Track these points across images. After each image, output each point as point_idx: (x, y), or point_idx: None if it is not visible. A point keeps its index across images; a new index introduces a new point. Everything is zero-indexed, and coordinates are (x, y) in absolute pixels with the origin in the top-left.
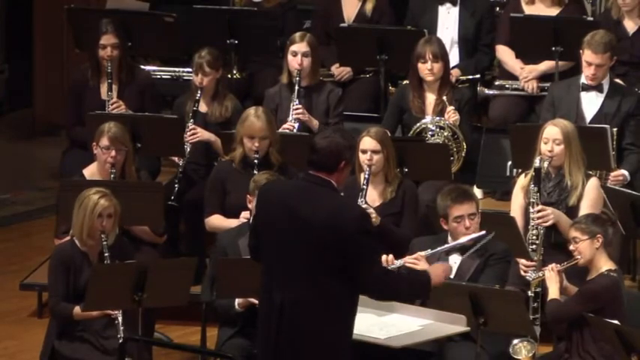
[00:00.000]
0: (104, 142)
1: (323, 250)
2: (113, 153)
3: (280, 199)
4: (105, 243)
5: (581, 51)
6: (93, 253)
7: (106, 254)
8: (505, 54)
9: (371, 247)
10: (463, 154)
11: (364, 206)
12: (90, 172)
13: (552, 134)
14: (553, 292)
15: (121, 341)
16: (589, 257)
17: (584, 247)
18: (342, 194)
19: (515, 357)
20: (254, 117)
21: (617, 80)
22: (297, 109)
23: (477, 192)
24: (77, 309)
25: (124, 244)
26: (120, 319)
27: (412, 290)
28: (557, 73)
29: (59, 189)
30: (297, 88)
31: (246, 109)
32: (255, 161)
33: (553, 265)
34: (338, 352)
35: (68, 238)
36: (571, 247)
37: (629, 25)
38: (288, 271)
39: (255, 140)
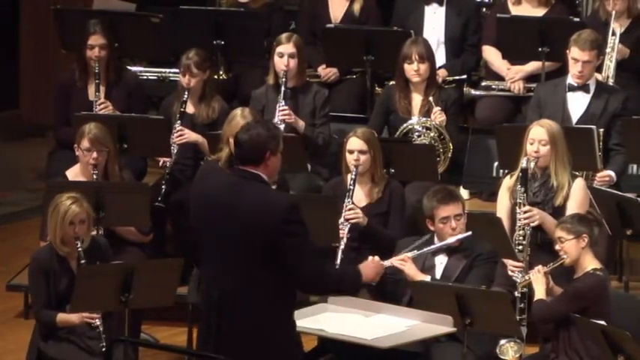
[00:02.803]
0: (85, 143)
1: (254, 242)
2: (94, 154)
3: (211, 196)
4: (80, 250)
5: (567, 50)
6: (71, 258)
7: (82, 261)
8: (491, 54)
9: (300, 237)
10: (449, 155)
11: (351, 206)
12: (73, 173)
13: (538, 135)
14: (539, 293)
15: (103, 345)
16: (575, 257)
17: (569, 246)
18: (273, 186)
19: (502, 357)
20: (240, 117)
21: (598, 75)
22: (283, 110)
23: (464, 193)
24: (60, 316)
25: (100, 245)
26: (101, 327)
27: (342, 285)
28: (543, 74)
29: (45, 190)
30: (283, 89)
31: (233, 110)
32: None
33: (539, 267)
34: (281, 343)
35: (46, 243)
36: (557, 247)
37: (617, 27)
38: (223, 265)
39: None
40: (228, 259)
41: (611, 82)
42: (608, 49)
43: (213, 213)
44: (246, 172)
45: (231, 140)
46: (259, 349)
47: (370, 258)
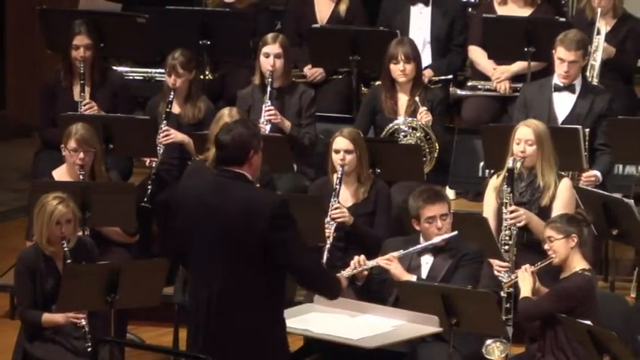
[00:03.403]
0: (72, 144)
1: (244, 241)
2: (81, 155)
3: (197, 197)
4: (66, 250)
5: (553, 50)
6: (58, 258)
7: (68, 261)
8: (477, 54)
9: (292, 230)
10: (435, 155)
11: (337, 206)
12: (59, 173)
13: (524, 135)
14: (525, 291)
15: (89, 344)
16: (563, 256)
17: (558, 246)
18: (257, 185)
19: (488, 357)
20: (228, 117)
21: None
22: (269, 110)
23: (450, 193)
24: (45, 316)
25: (85, 244)
26: (86, 327)
27: (331, 279)
28: (529, 74)
29: (30, 190)
30: (269, 89)
31: (219, 110)
32: None
33: (527, 265)
34: (270, 343)
35: (32, 243)
36: (545, 247)
37: (602, 26)
38: (211, 265)
39: None
40: (217, 260)
41: (595, 81)
42: (592, 48)
43: (201, 214)
44: (231, 172)
45: None
46: (248, 349)
47: (356, 258)
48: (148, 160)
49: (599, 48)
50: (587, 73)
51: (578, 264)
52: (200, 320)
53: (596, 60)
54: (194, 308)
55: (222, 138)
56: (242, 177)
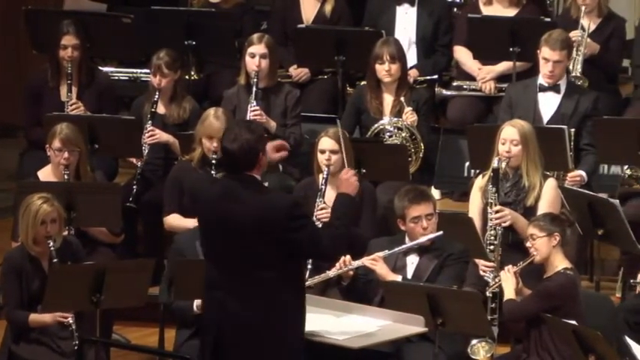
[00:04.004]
0: (56, 144)
1: (260, 244)
2: (66, 155)
3: (211, 202)
4: (52, 249)
5: (538, 50)
6: (43, 258)
7: (55, 260)
8: (463, 55)
9: (307, 227)
10: (421, 155)
11: (322, 206)
12: (44, 174)
13: (510, 135)
14: (509, 293)
15: (76, 343)
16: (545, 255)
17: (540, 244)
18: (266, 184)
19: (474, 357)
20: (213, 117)
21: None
22: (254, 110)
23: (435, 193)
24: (32, 316)
25: (70, 244)
26: (73, 325)
27: (346, 219)
28: (514, 74)
29: (16, 191)
30: (254, 89)
31: (205, 110)
32: (214, 161)
33: (509, 266)
34: (287, 347)
35: (18, 243)
36: (528, 244)
37: (586, 23)
38: (228, 269)
39: (214, 140)
40: (234, 264)
41: (578, 73)
42: (576, 44)
43: (214, 219)
44: (243, 175)
45: (204, 140)
46: (266, 348)
47: (341, 258)
48: (133, 160)
49: (583, 43)
50: (570, 67)
51: (561, 263)
52: (215, 324)
53: (579, 54)
54: (208, 310)
55: (229, 147)
56: (253, 180)
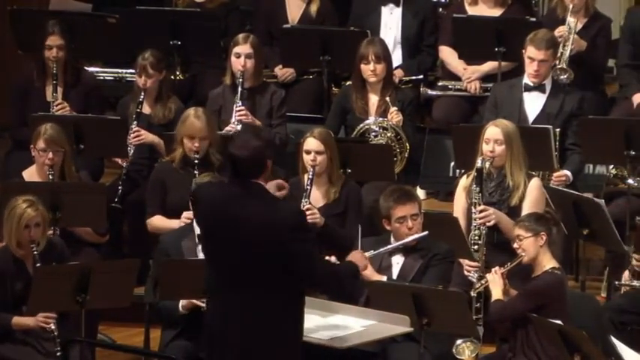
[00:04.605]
0: (40, 144)
1: (264, 251)
2: (50, 155)
3: (216, 207)
4: (35, 253)
5: (523, 50)
6: (28, 259)
7: (38, 264)
8: (448, 55)
9: (309, 242)
10: (406, 155)
11: (308, 206)
12: (29, 174)
13: (493, 134)
14: (497, 294)
15: (59, 352)
16: (532, 255)
17: (527, 244)
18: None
19: (459, 357)
20: (194, 117)
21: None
22: (239, 110)
23: (420, 193)
24: (15, 319)
25: (54, 245)
26: (56, 332)
27: (350, 280)
28: (499, 74)
29: (1, 191)
30: (240, 89)
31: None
32: (195, 161)
33: (496, 268)
34: (287, 350)
35: (2, 244)
36: (515, 245)
37: (573, 22)
38: (233, 275)
39: (195, 140)
40: (239, 270)
41: (565, 65)
42: (561, 39)
43: (219, 226)
44: (249, 182)
45: (185, 140)
46: (266, 352)
47: (327, 258)
48: (118, 161)
49: (570, 39)
50: (557, 62)
51: (548, 263)
52: (219, 329)
53: (566, 49)
54: (212, 316)
55: (240, 154)
56: (260, 187)
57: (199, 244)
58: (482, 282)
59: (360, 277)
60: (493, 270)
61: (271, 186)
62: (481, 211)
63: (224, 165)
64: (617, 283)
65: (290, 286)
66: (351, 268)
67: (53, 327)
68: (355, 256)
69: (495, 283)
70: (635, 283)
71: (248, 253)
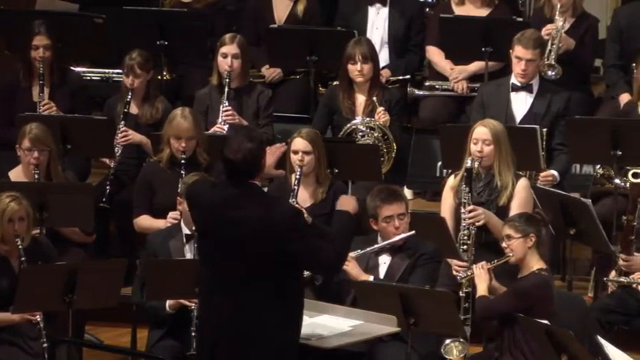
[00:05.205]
0: (26, 143)
1: (262, 252)
2: (35, 154)
3: (212, 208)
4: (20, 247)
5: (511, 50)
6: (12, 256)
7: (22, 258)
8: (435, 55)
9: (307, 237)
10: (393, 155)
11: (296, 206)
12: (15, 174)
13: (482, 134)
14: (482, 290)
15: (45, 344)
16: (521, 256)
17: (516, 245)
18: (266, 190)
19: (447, 357)
20: (181, 117)
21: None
22: (226, 110)
23: (407, 192)
24: (0, 315)
25: (41, 244)
26: (42, 324)
27: (346, 235)
28: (486, 74)
29: None
30: (227, 89)
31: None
32: (182, 161)
33: (482, 262)
34: (282, 353)
35: None
36: (503, 245)
37: (560, 21)
38: (230, 276)
39: (182, 140)
40: (236, 271)
41: (553, 61)
42: (549, 37)
43: (216, 226)
44: (245, 183)
45: (172, 141)
46: (261, 354)
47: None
48: (106, 161)
49: (558, 37)
50: (545, 58)
51: (536, 264)
52: (213, 329)
53: (554, 46)
54: (206, 316)
55: (234, 157)
56: (255, 189)
57: (187, 244)
58: (469, 273)
59: (354, 219)
60: (479, 264)
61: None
62: (470, 211)
63: (211, 165)
64: (605, 279)
65: (288, 285)
66: (344, 222)
67: (39, 319)
68: (343, 202)
69: (481, 278)
70: (622, 279)
71: (246, 254)
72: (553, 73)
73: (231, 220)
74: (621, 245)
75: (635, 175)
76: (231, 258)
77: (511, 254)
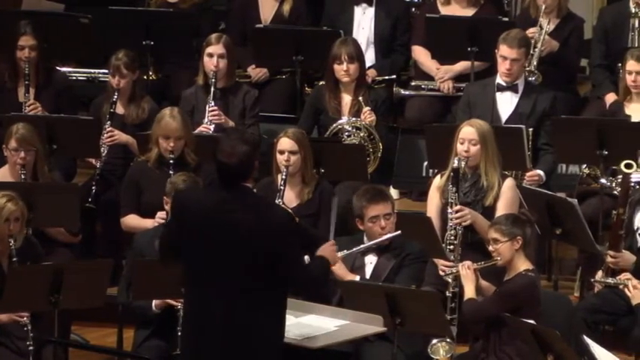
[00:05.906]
0: (12, 143)
1: (253, 254)
2: (22, 154)
3: (205, 212)
4: (12, 247)
5: (496, 50)
6: (3, 256)
7: (14, 259)
8: (421, 54)
9: (296, 248)
10: (379, 155)
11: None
12: (2, 174)
13: (468, 134)
14: (469, 291)
15: (31, 347)
16: (508, 258)
17: (504, 248)
18: (259, 194)
19: (433, 357)
20: (169, 117)
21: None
22: (212, 110)
23: (393, 192)
24: None
25: (32, 244)
26: (29, 325)
27: (323, 284)
28: (472, 74)
29: None
30: (212, 89)
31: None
32: (171, 161)
33: (468, 262)
34: (267, 345)
35: None
36: (490, 248)
37: (545, 23)
38: (218, 277)
39: (170, 140)
40: (224, 272)
41: (533, 68)
42: (533, 41)
43: (208, 229)
44: (238, 186)
45: (161, 140)
46: (247, 350)
47: (306, 258)
48: (92, 161)
49: (540, 40)
50: (526, 64)
51: (522, 265)
52: (201, 329)
53: (536, 50)
54: (193, 317)
55: (229, 161)
56: (248, 192)
57: None
58: (454, 270)
59: (331, 274)
60: (466, 264)
61: None
62: (457, 211)
63: (199, 165)
64: (592, 280)
65: (275, 287)
66: (323, 268)
67: (27, 321)
68: (325, 250)
69: (467, 279)
70: (609, 280)
71: (238, 256)
72: (533, 79)
73: (225, 224)
74: (610, 241)
75: (627, 166)
76: (223, 260)
77: (498, 258)
